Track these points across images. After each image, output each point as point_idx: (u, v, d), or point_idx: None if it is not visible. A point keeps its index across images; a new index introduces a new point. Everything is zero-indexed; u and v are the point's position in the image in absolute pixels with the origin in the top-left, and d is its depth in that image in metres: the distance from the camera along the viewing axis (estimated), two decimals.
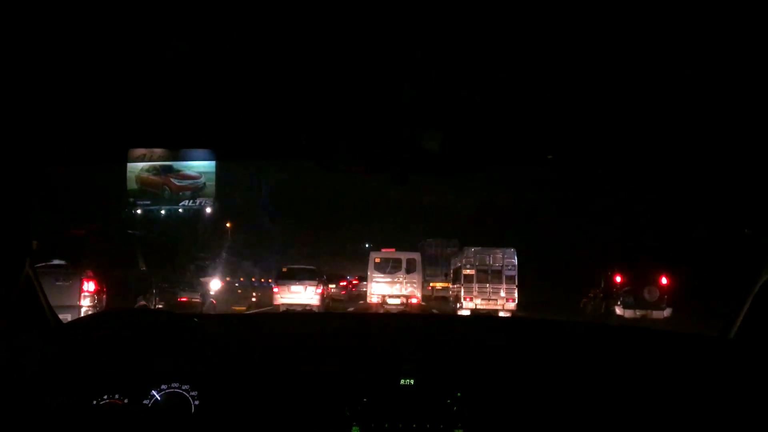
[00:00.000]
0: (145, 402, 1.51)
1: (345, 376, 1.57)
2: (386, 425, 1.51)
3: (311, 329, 2.02)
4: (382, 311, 17.87)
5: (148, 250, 9.88)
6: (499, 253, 19.99)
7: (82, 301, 7.67)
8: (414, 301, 20.51)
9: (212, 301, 14.27)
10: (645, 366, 1.59)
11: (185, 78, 1.35)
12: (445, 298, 28.06)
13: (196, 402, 1.51)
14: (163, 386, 1.52)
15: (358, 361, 1.63)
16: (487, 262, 19.79)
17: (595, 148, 1.64)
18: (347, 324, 2.21)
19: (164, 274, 10.51)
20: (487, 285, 19.51)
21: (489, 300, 19.40)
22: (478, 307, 18.93)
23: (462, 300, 19.82)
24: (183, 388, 1.52)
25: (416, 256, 21.94)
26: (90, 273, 7.81)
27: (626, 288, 15.13)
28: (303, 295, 18.14)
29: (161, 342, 1.72)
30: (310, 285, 18.40)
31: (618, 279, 15.40)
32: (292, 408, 1.52)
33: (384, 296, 20.43)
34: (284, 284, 18.59)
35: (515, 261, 19.90)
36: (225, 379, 1.56)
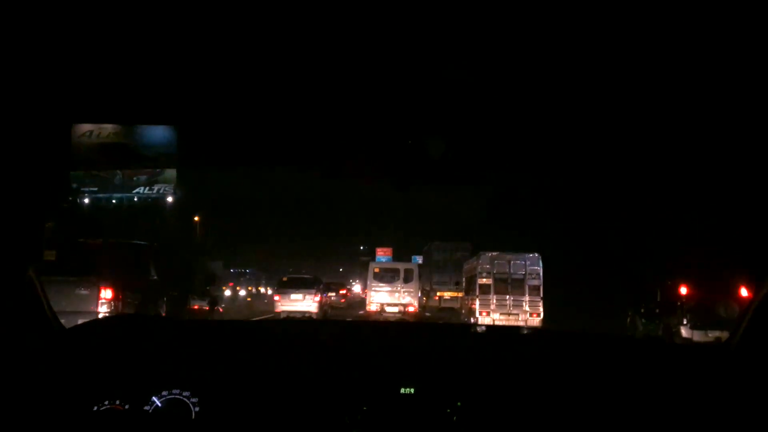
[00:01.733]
0: (145, 408, 1.64)
1: (345, 384, 1.70)
2: None
3: (312, 336, 2.20)
4: (380, 319, 19.98)
5: (158, 260, 11.57)
6: (520, 260, 18.34)
7: (99, 307, 9.24)
8: (411, 309, 23.80)
9: (219, 309, 16.44)
10: (647, 376, 1.72)
11: (148, 40, 1.29)
12: (453, 310, 27.14)
13: (197, 408, 1.65)
14: (163, 392, 1.66)
15: (358, 369, 1.76)
16: (507, 270, 18.25)
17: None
18: (348, 332, 2.41)
19: (174, 283, 12.22)
20: (507, 297, 18.06)
21: (509, 314, 17.86)
22: (496, 323, 17.16)
23: (477, 314, 18.20)
24: (183, 394, 1.66)
25: (413, 266, 25.78)
26: (107, 281, 9.37)
27: (695, 302, 12.84)
28: (302, 303, 21.86)
29: (162, 348, 1.87)
30: (309, 293, 22.19)
31: (683, 290, 13.15)
32: (292, 415, 1.65)
33: (382, 305, 23.81)
34: (284, 292, 22.47)
35: (540, 269, 18.22)
36: (225, 386, 1.68)
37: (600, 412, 1.63)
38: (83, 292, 9.26)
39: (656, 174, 1.92)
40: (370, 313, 23.66)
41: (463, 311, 22.17)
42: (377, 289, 24.44)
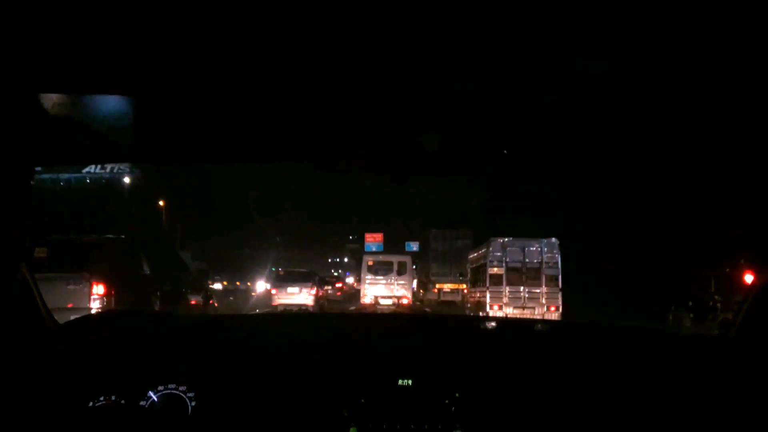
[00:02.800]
0: (141, 403, 1.75)
1: (343, 377, 1.81)
2: (384, 426, 1.75)
3: (309, 330, 2.34)
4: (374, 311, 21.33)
5: (151, 255, 12.39)
6: (536, 246, 17.52)
7: (91, 303, 9.90)
8: (405, 301, 26.60)
9: (213, 304, 17.29)
10: (645, 366, 1.84)
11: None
12: (454, 304, 27.52)
13: (193, 403, 1.76)
14: (159, 387, 1.76)
15: (356, 361, 1.87)
16: (521, 258, 17.50)
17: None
18: (345, 324, 2.57)
19: (167, 278, 13.13)
20: (522, 288, 17.36)
21: (524, 308, 17.08)
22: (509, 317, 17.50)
23: (487, 308, 17.29)
24: (180, 389, 1.77)
25: (407, 258, 28.55)
26: (99, 277, 10.03)
27: (759, 293, 11.71)
28: (298, 296, 24.33)
29: (158, 343, 1.98)
30: (305, 287, 24.66)
31: (749, 278, 9.71)
32: (289, 409, 1.76)
33: (377, 297, 26.58)
34: (281, 286, 24.92)
35: (558, 256, 17.38)
36: (222, 381, 1.79)
37: (597, 403, 1.75)
38: (75, 288, 9.89)
39: (695, 144, 1.91)
40: (364, 306, 25.92)
41: (469, 305, 22.01)
42: (371, 282, 27.21)
